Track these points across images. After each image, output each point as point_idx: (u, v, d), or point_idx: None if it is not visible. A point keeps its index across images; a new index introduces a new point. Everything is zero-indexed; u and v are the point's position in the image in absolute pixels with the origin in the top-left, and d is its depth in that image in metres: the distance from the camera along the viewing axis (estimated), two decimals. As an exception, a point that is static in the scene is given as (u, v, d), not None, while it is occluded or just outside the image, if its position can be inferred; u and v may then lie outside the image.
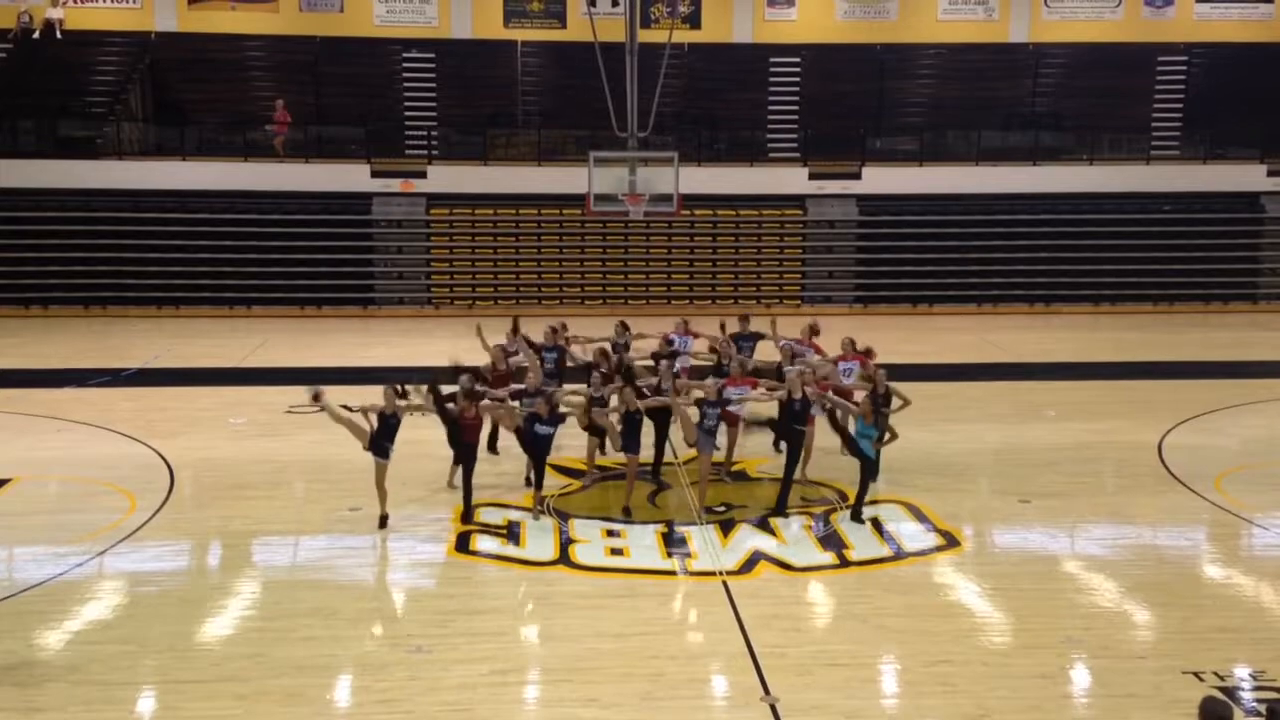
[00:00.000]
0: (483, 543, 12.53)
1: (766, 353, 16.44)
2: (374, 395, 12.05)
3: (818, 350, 15.92)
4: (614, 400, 14.18)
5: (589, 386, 14.34)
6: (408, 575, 12.02)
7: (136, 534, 12.68)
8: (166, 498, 13.98)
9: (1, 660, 9.65)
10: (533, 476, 13.79)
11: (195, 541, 12.68)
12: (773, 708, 8.95)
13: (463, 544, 12.48)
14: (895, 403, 14.16)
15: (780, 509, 13.36)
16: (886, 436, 13.41)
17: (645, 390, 14.09)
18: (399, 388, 13.07)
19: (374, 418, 12.82)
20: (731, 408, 14.19)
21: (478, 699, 9.07)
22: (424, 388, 13.56)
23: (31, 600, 10.92)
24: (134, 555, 12.11)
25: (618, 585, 11.47)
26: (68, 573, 11.55)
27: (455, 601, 11.09)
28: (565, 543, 12.48)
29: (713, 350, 16.02)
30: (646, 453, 14.17)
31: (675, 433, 14.71)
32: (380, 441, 12.77)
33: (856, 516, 13.16)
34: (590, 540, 12.61)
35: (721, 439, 14.23)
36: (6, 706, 8.91)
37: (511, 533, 12.81)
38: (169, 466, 15.22)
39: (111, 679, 9.34)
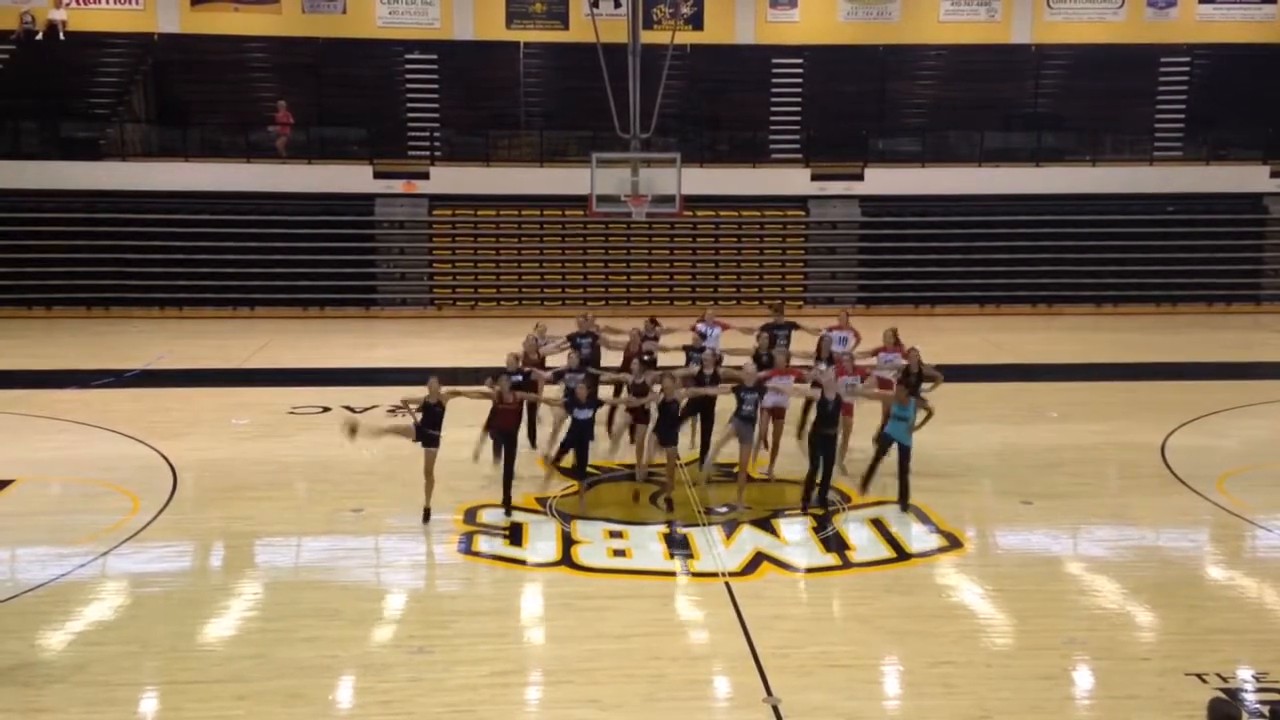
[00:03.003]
0: (485, 544, 12.53)
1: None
2: (378, 396, 12.23)
3: (857, 335, 16.33)
4: (655, 388, 14.35)
5: (630, 373, 14.69)
6: (410, 576, 12.03)
7: (139, 535, 12.69)
8: (169, 499, 13.99)
9: (5, 661, 9.66)
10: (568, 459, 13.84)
11: (198, 542, 12.68)
12: (775, 709, 8.94)
13: (465, 545, 12.49)
14: (926, 384, 14.36)
15: (821, 502, 13.59)
16: (922, 416, 13.59)
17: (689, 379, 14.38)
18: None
19: (414, 408, 13.00)
20: (774, 399, 14.29)
21: (479, 700, 9.06)
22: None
23: (34, 601, 10.93)
24: (136, 556, 12.12)
25: (620, 586, 11.47)
26: (70, 573, 11.55)
27: (457, 602, 11.09)
28: (566, 543, 12.50)
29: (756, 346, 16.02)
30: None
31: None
32: (426, 430, 12.96)
33: (904, 505, 13.40)
34: (592, 541, 12.61)
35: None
36: (10, 707, 8.91)
37: (514, 534, 12.81)
38: (171, 467, 15.23)
39: (114, 680, 9.34)
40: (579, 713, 8.94)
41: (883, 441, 13.80)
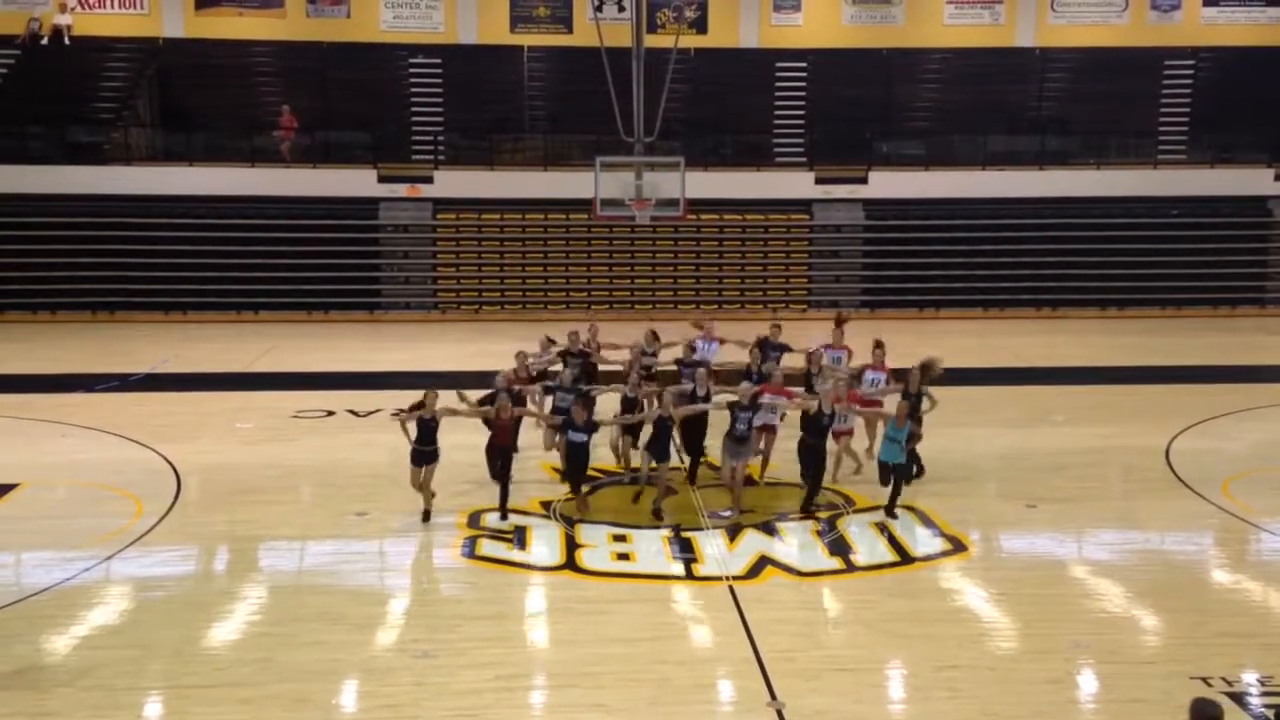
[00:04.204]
0: (489, 548, 12.53)
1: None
2: (383, 399, 12.25)
3: (850, 354, 16.16)
4: (648, 404, 14.42)
5: (625, 385, 14.68)
6: (414, 580, 12.03)
7: (143, 539, 12.70)
8: (173, 502, 14.00)
9: (11, 665, 9.68)
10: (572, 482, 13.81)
11: (202, 546, 12.70)
12: (779, 713, 8.94)
13: (469, 549, 12.49)
14: (925, 403, 14.28)
15: (805, 510, 13.58)
16: (913, 438, 13.62)
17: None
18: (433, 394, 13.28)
19: (413, 426, 13.00)
20: (767, 418, 14.31)
21: (484, 704, 9.07)
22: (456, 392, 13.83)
23: (39, 605, 10.95)
24: (141, 560, 12.13)
25: (624, 590, 11.47)
26: (75, 577, 11.57)
27: (462, 606, 11.10)
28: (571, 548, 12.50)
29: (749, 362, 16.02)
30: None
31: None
32: (421, 448, 12.99)
33: (890, 513, 13.39)
34: (596, 545, 12.61)
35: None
36: (17, 710, 8.93)
37: (518, 538, 12.81)
38: (175, 471, 15.24)
39: (119, 684, 9.36)
40: (584, 717, 8.94)
41: (881, 469, 13.76)
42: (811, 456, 13.65)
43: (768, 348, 16.09)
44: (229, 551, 12.62)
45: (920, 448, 14.42)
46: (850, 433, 14.75)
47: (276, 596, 11.31)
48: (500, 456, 13.46)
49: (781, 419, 15.30)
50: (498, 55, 32.97)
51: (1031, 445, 16.83)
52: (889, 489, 13.55)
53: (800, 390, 15.05)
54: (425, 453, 13.05)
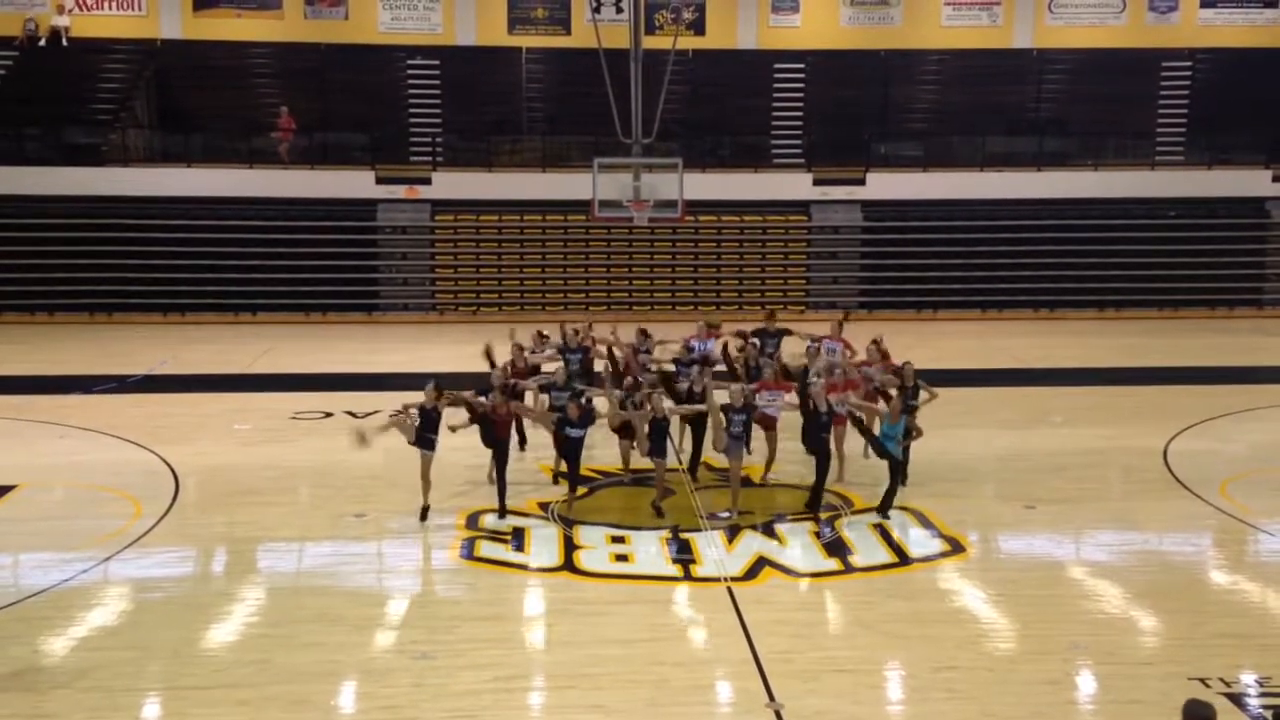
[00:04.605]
0: (487, 549, 12.53)
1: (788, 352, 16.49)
2: (381, 401, 12.33)
3: (847, 346, 16.05)
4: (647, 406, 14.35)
5: (620, 389, 14.57)
6: (412, 581, 12.04)
7: (141, 540, 12.69)
8: (171, 504, 14.00)
9: (9, 666, 9.67)
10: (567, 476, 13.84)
11: (200, 547, 12.69)
12: (778, 714, 8.93)
13: (467, 550, 12.49)
14: (923, 395, 14.28)
15: (812, 511, 13.53)
16: (911, 435, 13.62)
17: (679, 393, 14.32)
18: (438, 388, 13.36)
19: (415, 412, 13.11)
20: (768, 410, 14.27)
21: (482, 705, 9.06)
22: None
23: (37, 606, 10.94)
24: (139, 561, 12.12)
25: (622, 591, 11.47)
26: (73, 579, 11.56)
27: (460, 608, 11.09)
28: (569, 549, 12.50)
29: (741, 350, 15.98)
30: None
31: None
32: (423, 434, 13.07)
33: (883, 513, 13.37)
34: (594, 546, 12.61)
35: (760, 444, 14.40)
36: (15, 712, 8.92)
37: (516, 539, 12.81)
38: (174, 472, 15.24)
39: (116, 685, 9.35)
40: (583, 718, 8.94)
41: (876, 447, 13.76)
42: (816, 446, 13.66)
43: (767, 336, 16.06)
44: (227, 553, 12.62)
45: (918, 448, 14.42)
46: (844, 421, 14.70)
47: (275, 598, 11.30)
48: (497, 451, 13.47)
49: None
50: (496, 57, 32.97)
51: (1030, 446, 16.84)
52: (885, 489, 13.59)
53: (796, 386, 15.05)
54: (426, 439, 13.10)
